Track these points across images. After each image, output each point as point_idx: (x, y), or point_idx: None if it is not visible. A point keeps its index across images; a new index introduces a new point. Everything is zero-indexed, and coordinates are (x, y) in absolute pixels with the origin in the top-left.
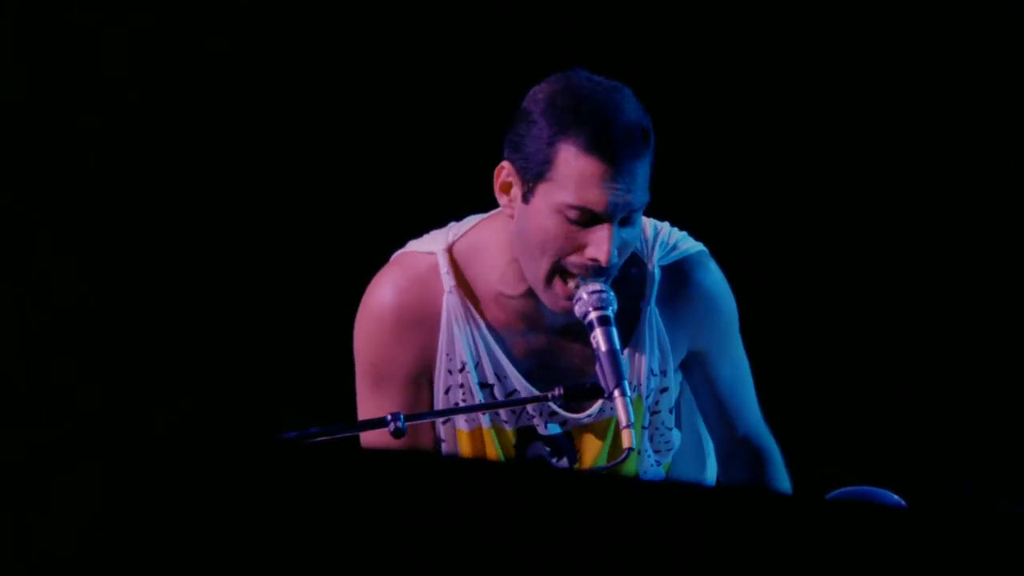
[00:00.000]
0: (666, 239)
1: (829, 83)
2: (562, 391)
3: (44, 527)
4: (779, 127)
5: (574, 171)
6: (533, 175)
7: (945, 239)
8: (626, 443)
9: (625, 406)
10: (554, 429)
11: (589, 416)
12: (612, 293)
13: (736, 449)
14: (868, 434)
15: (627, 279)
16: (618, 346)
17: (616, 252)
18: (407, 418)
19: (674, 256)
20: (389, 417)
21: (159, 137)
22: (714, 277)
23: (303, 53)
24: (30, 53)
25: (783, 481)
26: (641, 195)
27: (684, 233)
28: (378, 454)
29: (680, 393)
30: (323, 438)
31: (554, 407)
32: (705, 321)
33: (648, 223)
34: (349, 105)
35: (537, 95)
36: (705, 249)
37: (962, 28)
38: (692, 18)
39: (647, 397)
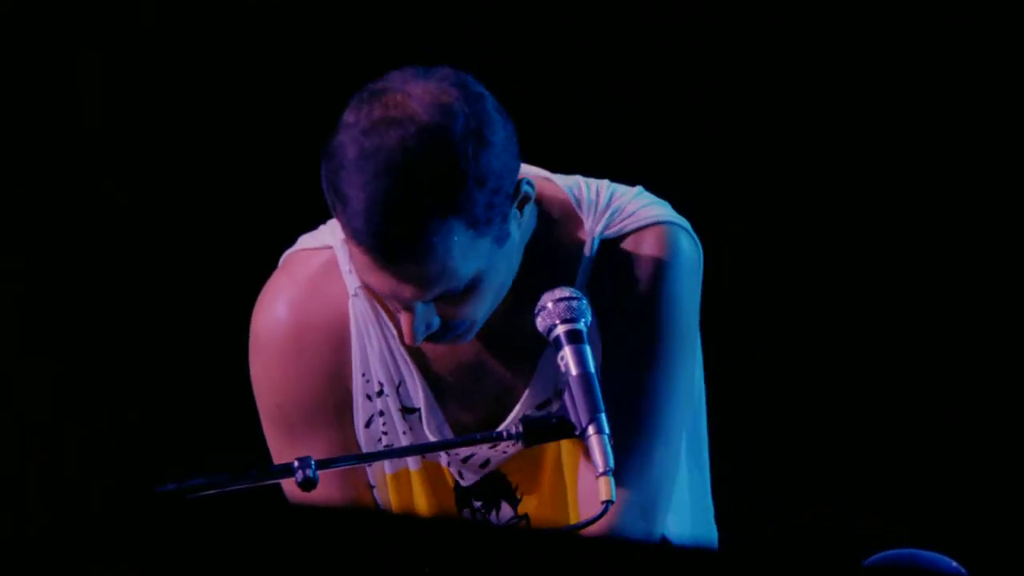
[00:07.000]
0: (622, 206)
1: (826, 82)
2: (520, 428)
3: None
4: (776, 127)
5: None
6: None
7: (944, 240)
8: (603, 495)
9: (602, 447)
10: (471, 477)
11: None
12: (584, 301)
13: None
14: (866, 438)
15: (555, 254)
16: (593, 368)
17: (439, 326)
18: (320, 465)
19: (624, 227)
20: (296, 464)
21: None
22: (669, 259)
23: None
24: (30, 52)
25: None
26: (446, 281)
27: (661, 202)
28: (275, 509)
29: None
30: (208, 492)
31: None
32: (627, 304)
33: (604, 186)
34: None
35: (332, 137)
36: (678, 221)
37: (963, 27)
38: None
39: None
